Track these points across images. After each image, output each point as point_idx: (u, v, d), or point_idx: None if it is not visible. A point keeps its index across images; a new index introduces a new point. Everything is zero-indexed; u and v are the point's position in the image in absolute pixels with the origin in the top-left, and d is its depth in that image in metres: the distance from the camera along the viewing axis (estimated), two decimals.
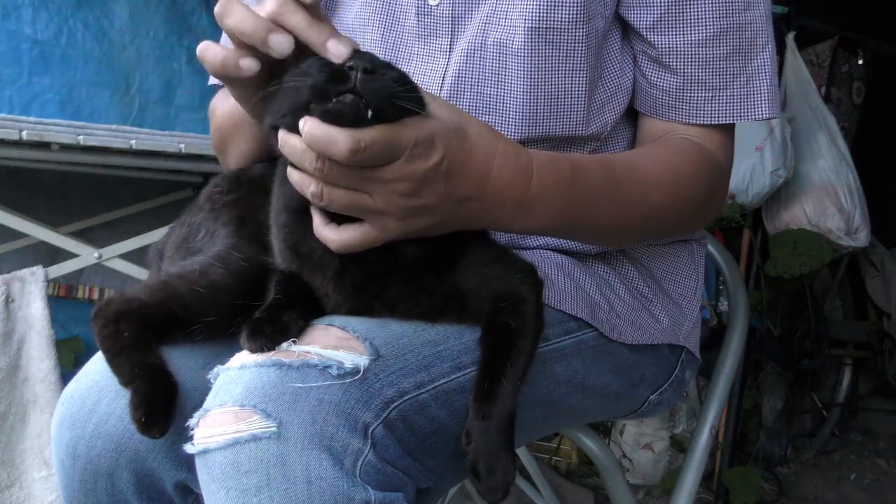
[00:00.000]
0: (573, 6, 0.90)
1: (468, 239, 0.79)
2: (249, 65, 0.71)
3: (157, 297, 0.83)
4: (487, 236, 0.83)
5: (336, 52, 0.69)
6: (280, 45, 0.69)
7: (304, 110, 0.65)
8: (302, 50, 0.70)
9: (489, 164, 0.75)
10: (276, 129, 0.69)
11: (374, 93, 0.64)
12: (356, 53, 0.68)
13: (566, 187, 0.81)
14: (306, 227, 0.75)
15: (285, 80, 0.68)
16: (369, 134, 0.65)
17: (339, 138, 0.64)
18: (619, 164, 0.89)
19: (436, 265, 0.78)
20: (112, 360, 0.81)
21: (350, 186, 0.69)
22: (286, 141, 0.68)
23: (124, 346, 0.81)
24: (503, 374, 0.75)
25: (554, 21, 0.90)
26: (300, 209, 0.75)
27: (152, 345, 0.83)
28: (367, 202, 0.70)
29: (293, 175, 0.70)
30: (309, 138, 0.65)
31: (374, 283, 0.77)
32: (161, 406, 0.79)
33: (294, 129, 0.66)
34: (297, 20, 0.69)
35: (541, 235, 0.95)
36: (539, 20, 0.90)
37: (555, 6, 0.90)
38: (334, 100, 0.64)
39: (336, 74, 0.65)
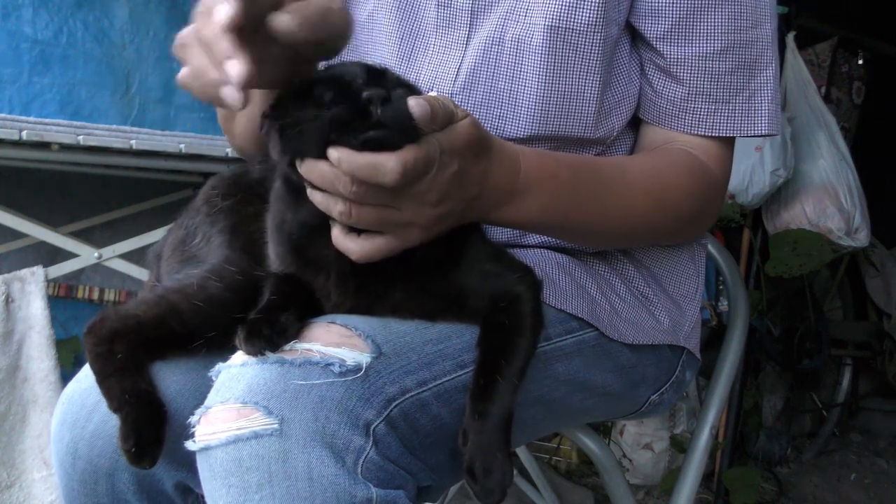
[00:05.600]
0: (594, 9, 0.91)
1: (468, 239, 0.79)
2: (234, 98, 0.66)
3: (154, 313, 0.83)
4: (485, 236, 0.84)
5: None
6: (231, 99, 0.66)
7: (328, 142, 0.66)
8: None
9: (489, 159, 0.76)
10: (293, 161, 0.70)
11: (397, 120, 0.66)
12: (366, 76, 0.68)
13: (552, 181, 0.83)
14: (316, 234, 0.75)
15: (296, 114, 0.68)
16: (411, 153, 0.66)
17: (388, 164, 0.65)
18: (606, 167, 0.91)
19: (437, 266, 0.78)
20: (102, 383, 0.81)
21: (381, 204, 0.69)
22: (314, 169, 0.68)
23: (116, 369, 0.81)
24: (499, 373, 0.74)
25: (574, 22, 0.91)
26: (317, 224, 0.74)
27: (144, 368, 0.83)
28: (396, 216, 0.70)
29: (316, 197, 0.70)
30: (354, 167, 0.65)
31: (378, 284, 0.77)
32: (150, 436, 0.79)
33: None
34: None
35: (529, 230, 0.95)
36: (559, 20, 0.91)
37: (576, 8, 0.91)
38: (369, 134, 0.65)
39: (355, 107, 0.66)
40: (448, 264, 0.78)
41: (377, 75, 0.70)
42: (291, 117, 0.68)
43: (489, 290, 0.78)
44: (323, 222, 0.73)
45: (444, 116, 0.69)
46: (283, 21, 0.67)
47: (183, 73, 0.70)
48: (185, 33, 0.68)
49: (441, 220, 0.73)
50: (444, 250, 0.77)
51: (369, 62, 0.74)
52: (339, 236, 0.73)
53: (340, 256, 0.73)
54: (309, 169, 0.68)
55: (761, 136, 0.99)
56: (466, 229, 0.79)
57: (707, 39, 0.94)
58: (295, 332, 0.73)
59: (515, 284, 0.79)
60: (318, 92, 0.67)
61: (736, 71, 0.95)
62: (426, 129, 0.67)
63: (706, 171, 0.97)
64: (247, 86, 0.65)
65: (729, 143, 1.01)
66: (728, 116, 0.97)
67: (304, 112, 0.67)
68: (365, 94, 0.66)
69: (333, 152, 0.65)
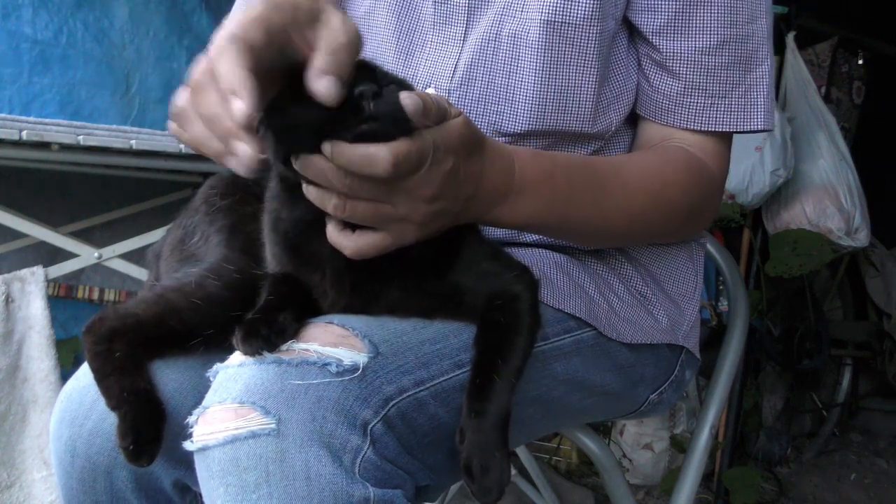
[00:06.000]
0: (589, 3, 0.91)
1: (464, 238, 0.79)
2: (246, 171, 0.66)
3: (153, 312, 0.83)
4: (482, 235, 0.84)
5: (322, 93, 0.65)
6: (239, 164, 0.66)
7: (322, 137, 0.66)
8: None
9: (483, 159, 0.76)
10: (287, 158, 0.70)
11: (389, 114, 0.66)
12: (357, 73, 0.68)
13: (547, 182, 0.83)
14: (311, 231, 0.75)
15: (290, 113, 0.68)
16: (403, 145, 0.66)
17: (380, 154, 0.65)
18: (603, 166, 0.91)
19: (434, 264, 0.78)
20: (101, 381, 0.81)
21: (375, 198, 0.69)
22: (309, 164, 0.67)
23: (115, 368, 0.81)
24: (496, 371, 0.74)
25: (570, 16, 0.91)
26: (313, 221, 0.74)
27: (143, 367, 0.83)
28: (389, 211, 0.70)
29: (311, 192, 0.70)
30: (347, 160, 0.65)
31: (374, 281, 0.77)
32: (149, 435, 0.80)
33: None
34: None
35: (525, 231, 0.95)
36: (555, 14, 0.91)
37: (572, 2, 0.91)
38: (361, 127, 0.65)
39: (347, 103, 0.66)
40: (444, 263, 0.78)
41: (368, 71, 0.70)
42: (286, 117, 0.68)
43: (486, 289, 0.78)
44: (318, 218, 0.73)
45: (436, 112, 0.69)
46: (326, 88, 0.64)
47: (184, 139, 0.70)
48: (182, 104, 0.68)
49: (435, 219, 0.73)
50: (440, 249, 0.77)
51: (362, 58, 0.73)
52: (333, 232, 0.72)
53: (335, 253, 0.73)
54: (304, 164, 0.68)
55: (757, 130, 0.99)
56: (462, 229, 0.79)
57: (703, 34, 0.94)
58: (292, 332, 0.73)
59: (513, 283, 0.79)
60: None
61: (732, 66, 0.95)
62: (418, 124, 0.67)
63: (704, 167, 0.97)
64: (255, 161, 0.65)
65: (726, 139, 1.01)
66: (724, 111, 0.97)
67: (297, 110, 0.68)
68: (356, 89, 0.66)
69: (327, 146, 0.66)
